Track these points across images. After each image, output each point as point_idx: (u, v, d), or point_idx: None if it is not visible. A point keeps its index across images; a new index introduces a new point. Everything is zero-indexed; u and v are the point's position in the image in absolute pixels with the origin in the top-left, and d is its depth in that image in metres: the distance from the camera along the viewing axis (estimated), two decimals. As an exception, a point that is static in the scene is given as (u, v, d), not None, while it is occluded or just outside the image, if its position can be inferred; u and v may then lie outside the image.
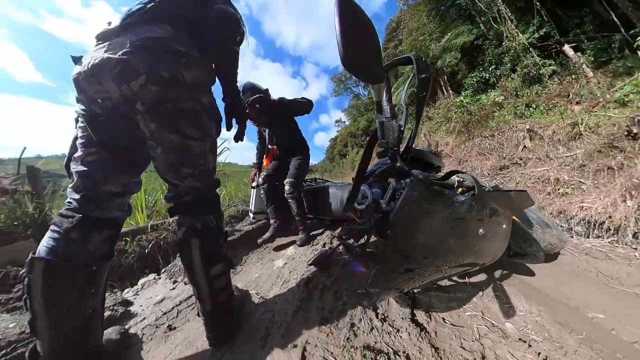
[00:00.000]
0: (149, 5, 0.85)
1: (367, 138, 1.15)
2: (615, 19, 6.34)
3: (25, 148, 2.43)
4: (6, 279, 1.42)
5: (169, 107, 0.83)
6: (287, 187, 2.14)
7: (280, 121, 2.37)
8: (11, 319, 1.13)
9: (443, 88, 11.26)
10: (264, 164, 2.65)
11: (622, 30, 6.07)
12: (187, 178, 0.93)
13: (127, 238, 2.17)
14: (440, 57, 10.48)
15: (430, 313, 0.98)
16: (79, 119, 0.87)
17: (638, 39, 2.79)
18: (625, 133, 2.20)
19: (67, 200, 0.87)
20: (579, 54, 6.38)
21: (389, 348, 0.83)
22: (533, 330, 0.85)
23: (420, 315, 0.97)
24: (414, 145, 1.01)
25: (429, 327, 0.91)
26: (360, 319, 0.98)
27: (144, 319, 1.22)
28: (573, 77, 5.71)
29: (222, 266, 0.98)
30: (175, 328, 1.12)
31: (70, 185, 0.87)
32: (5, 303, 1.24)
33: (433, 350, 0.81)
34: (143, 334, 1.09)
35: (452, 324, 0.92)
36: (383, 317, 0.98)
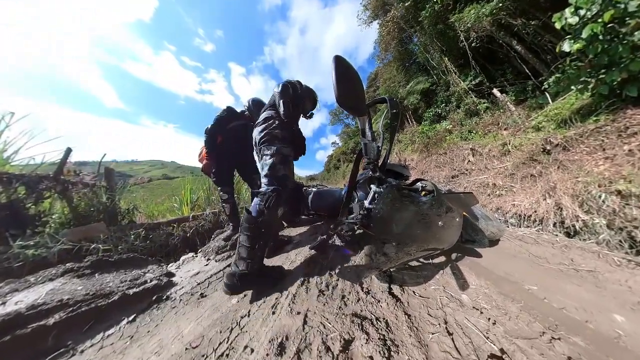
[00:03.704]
0: (269, 103, 1.30)
1: (355, 155, 1.12)
2: (527, 71, 6.42)
3: (105, 154, 2.35)
4: (79, 252, 1.32)
5: (257, 141, 1.21)
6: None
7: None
8: (80, 283, 1.05)
9: (409, 120, 11.30)
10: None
11: (532, 78, 6.14)
12: (263, 178, 1.15)
13: (174, 225, 2.07)
14: (406, 98, 10.57)
15: (404, 287, 0.92)
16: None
17: (544, 84, 2.80)
18: (541, 150, 2.16)
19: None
20: (504, 94, 6.42)
21: (372, 315, 0.77)
22: (483, 300, 0.79)
23: (396, 289, 0.91)
24: (388, 161, 0.98)
25: (403, 298, 0.85)
26: (350, 292, 0.92)
27: (182, 287, 1.15)
28: (501, 111, 5.72)
29: (244, 250, 0.97)
30: (206, 296, 1.05)
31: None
32: (77, 270, 1.15)
33: (406, 317, 0.74)
34: (180, 300, 1.02)
35: (420, 296, 0.85)
36: (367, 290, 0.92)
